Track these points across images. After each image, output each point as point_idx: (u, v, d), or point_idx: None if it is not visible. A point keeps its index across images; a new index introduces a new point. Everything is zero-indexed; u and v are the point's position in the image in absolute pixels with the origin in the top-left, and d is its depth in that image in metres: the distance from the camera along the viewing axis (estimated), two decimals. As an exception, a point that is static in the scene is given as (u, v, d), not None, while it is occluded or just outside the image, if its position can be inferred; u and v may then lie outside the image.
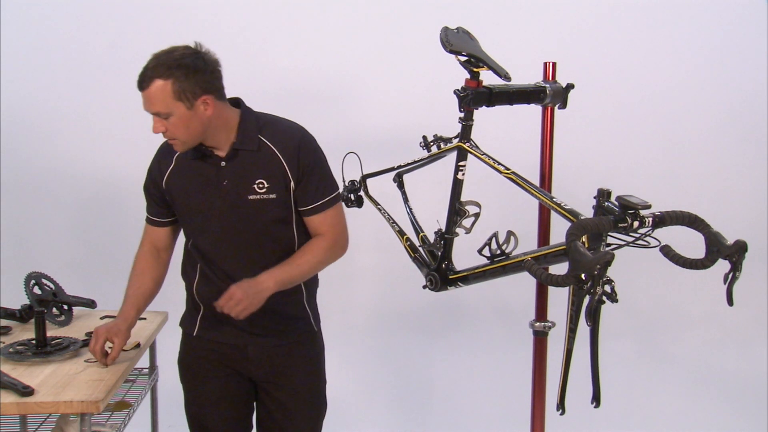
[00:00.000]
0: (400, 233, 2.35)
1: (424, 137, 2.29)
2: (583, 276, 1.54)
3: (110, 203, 3.53)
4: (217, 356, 2.05)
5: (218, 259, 1.97)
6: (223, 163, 1.92)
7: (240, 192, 1.92)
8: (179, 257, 2.13)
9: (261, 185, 1.92)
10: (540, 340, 2.21)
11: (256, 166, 1.92)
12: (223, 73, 3.51)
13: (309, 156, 1.95)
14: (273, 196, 1.92)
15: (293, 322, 2.05)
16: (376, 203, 2.46)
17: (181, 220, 2.03)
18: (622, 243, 1.68)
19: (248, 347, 2.02)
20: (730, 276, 1.66)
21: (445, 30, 2.09)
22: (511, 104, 2.12)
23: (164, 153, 2.01)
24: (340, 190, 2.21)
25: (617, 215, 1.63)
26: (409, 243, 2.31)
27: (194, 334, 2.08)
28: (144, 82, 1.83)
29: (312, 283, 2.09)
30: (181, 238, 2.11)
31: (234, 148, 1.91)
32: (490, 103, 2.07)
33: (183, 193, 1.96)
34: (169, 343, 2.81)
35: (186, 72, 1.80)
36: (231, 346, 2.03)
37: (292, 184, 1.93)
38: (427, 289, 2.21)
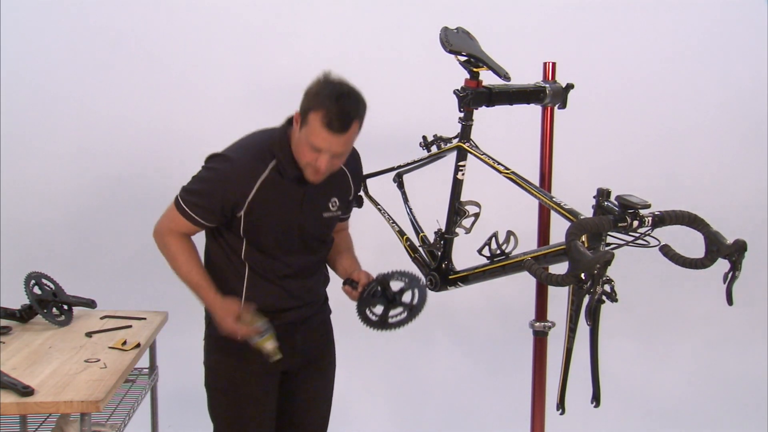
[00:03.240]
0: (400, 233, 2.35)
1: (424, 137, 2.29)
2: (582, 275, 1.54)
3: (110, 203, 3.54)
4: (262, 359, 2.01)
5: (284, 265, 2.02)
6: (306, 184, 1.95)
7: (318, 210, 2.03)
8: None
9: (334, 204, 2.07)
10: (540, 340, 2.21)
11: (331, 185, 2.02)
12: (225, 73, 3.53)
13: (362, 173, 2.21)
14: (339, 212, 2.10)
15: (320, 303, 2.20)
16: (376, 203, 2.46)
17: (252, 233, 1.98)
18: (622, 242, 1.67)
19: (296, 335, 2.07)
20: (730, 275, 1.66)
21: (445, 30, 2.09)
22: (511, 104, 2.11)
23: (245, 177, 1.92)
24: None
25: (617, 215, 1.63)
26: (409, 243, 2.31)
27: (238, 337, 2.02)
28: (347, 124, 1.79)
29: None
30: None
31: None
32: (490, 103, 2.07)
33: (266, 211, 1.95)
34: (169, 343, 2.82)
35: (365, 111, 1.86)
36: (279, 338, 2.04)
37: (350, 197, 2.14)
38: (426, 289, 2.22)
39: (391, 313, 2.07)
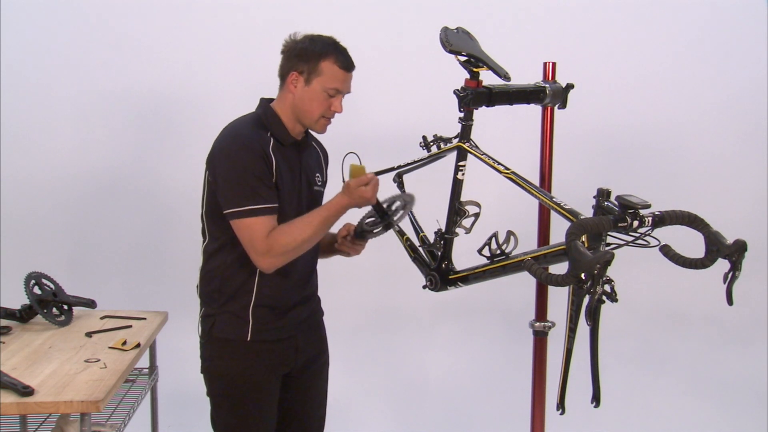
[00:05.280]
0: (400, 233, 2.35)
1: (424, 137, 2.29)
2: (583, 275, 1.54)
3: (110, 203, 3.54)
4: (269, 362, 2.03)
5: None
6: (300, 151, 2.04)
7: (310, 181, 2.07)
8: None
9: (318, 178, 2.12)
10: (540, 340, 2.21)
11: (314, 159, 2.13)
12: (224, 70, 3.53)
13: (327, 163, 2.23)
14: (323, 190, 2.13)
15: (316, 302, 2.22)
16: (375, 203, 2.47)
17: (279, 205, 1.95)
18: (622, 242, 1.67)
19: (299, 336, 2.08)
20: (730, 275, 1.66)
21: (445, 30, 2.09)
22: (511, 104, 2.11)
23: (260, 144, 1.92)
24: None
25: (617, 215, 1.63)
26: (409, 243, 2.31)
27: (248, 339, 1.99)
28: (353, 62, 1.98)
29: None
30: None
31: (305, 137, 2.05)
32: (490, 103, 2.07)
33: (284, 178, 1.96)
34: (169, 343, 2.82)
35: None
36: (283, 342, 2.04)
37: (324, 179, 2.17)
38: (427, 289, 2.21)
39: (395, 206, 2.04)
